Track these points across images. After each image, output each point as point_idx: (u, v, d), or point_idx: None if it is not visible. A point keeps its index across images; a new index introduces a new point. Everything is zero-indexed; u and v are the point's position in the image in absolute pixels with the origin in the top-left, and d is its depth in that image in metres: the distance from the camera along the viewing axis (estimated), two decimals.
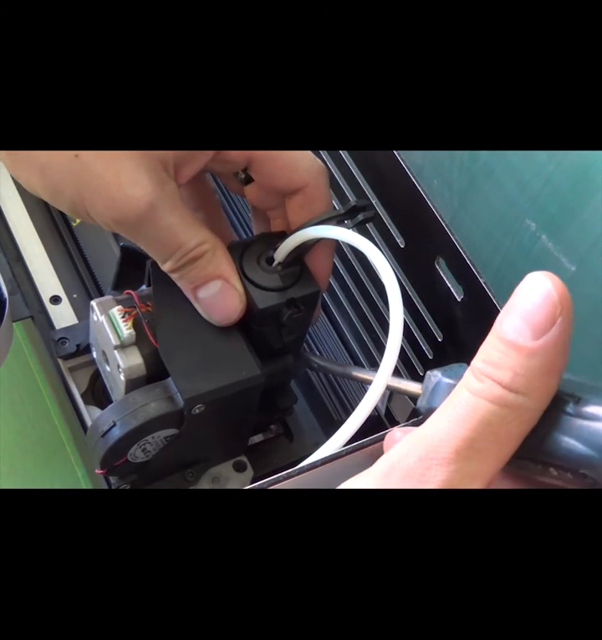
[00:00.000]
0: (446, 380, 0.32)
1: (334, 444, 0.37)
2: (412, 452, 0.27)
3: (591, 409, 0.27)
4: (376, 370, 0.38)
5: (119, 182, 0.36)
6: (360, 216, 0.42)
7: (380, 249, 0.39)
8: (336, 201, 0.49)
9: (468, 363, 0.30)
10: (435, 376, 0.32)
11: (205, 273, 0.40)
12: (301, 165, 0.42)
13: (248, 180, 0.43)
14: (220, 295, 0.40)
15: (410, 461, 0.27)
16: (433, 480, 0.26)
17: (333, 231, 0.40)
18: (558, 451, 0.27)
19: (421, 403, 0.33)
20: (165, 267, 0.40)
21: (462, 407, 0.27)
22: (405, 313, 0.46)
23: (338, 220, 0.41)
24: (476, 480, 0.27)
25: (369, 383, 0.38)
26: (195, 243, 0.39)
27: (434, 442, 0.27)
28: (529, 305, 0.27)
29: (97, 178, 0.36)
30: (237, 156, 0.41)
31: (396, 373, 0.49)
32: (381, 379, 0.37)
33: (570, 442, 0.27)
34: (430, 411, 0.31)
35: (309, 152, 0.42)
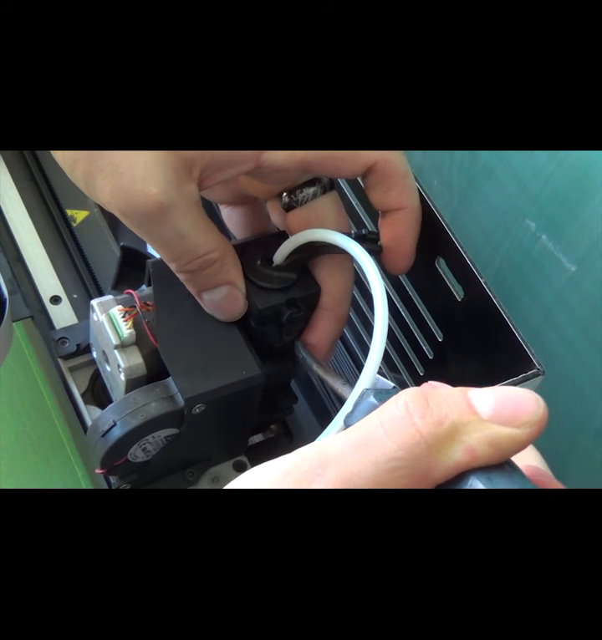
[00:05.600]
0: (372, 400, 0.28)
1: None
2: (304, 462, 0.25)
3: None
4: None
5: (133, 174, 0.34)
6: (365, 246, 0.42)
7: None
8: None
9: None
10: (367, 393, 0.29)
11: (212, 281, 0.39)
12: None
13: (291, 205, 0.41)
14: (225, 299, 0.40)
15: (301, 470, 0.25)
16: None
17: (329, 235, 0.40)
18: None
19: (347, 419, 0.29)
20: (171, 267, 0.39)
21: (361, 436, 0.24)
22: (405, 313, 0.47)
23: None
24: None
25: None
26: (204, 251, 0.38)
27: (321, 460, 0.24)
28: (511, 393, 0.23)
29: (111, 165, 0.35)
30: (287, 162, 0.37)
31: (397, 373, 0.50)
32: (364, 379, 0.37)
33: None
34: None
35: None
